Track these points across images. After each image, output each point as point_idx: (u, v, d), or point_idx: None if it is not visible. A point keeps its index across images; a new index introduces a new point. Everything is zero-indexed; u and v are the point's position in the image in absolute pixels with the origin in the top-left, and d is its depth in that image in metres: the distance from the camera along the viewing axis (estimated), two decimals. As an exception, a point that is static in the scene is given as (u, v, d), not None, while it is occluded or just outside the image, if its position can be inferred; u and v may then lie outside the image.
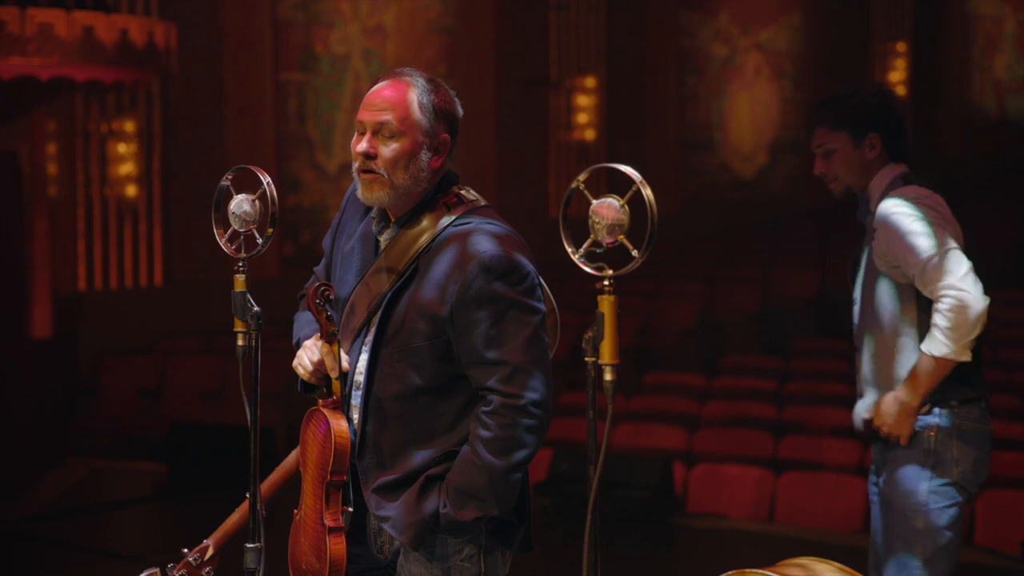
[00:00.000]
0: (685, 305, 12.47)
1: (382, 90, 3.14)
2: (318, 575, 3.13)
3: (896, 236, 4.07)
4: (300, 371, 3.20)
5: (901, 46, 20.26)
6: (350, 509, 3.18)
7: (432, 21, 14.47)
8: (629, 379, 9.87)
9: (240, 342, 3.16)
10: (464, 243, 3.06)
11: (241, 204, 3.13)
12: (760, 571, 2.84)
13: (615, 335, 2.64)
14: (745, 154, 17.96)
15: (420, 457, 3.11)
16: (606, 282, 2.64)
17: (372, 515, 3.18)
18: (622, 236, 2.59)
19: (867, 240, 4.26)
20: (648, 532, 7.60)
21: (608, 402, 2.63)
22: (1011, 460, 7.38)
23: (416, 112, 3.11)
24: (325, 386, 3.18)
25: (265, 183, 3.12)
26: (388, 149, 3.10)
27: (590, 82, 16.08)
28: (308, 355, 3.17)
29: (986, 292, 4.02)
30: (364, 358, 3.16)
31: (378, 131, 3.11)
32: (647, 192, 2.56)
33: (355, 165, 3.14)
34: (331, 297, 3.12)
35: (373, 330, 3.15)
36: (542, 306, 3.09)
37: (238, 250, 3.16)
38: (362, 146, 3.11)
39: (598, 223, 2.61)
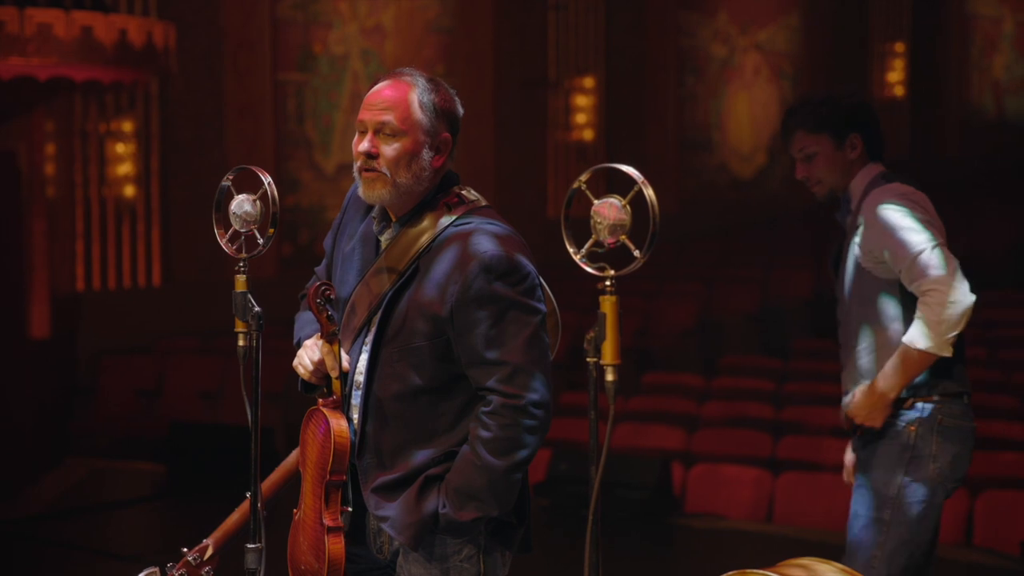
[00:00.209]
0: (684, 305, 12.48)
1: (383, 90, 3.14)
2: (317, 575, 3.13)
3: (885, 231, 4.08)
4: (300, 371, 3.20)
5: (900, 46, 20.27)
6: (349, 509, 3.17)
7: (430, 21, 14.47)
8: (628, 379, 9.86)
9: (241, 342, 3.16)
10: (465, 243, 3.06)
11: (242, 204, 3.14)
12: (761, 571, 2.84)
13: (617, 335, 2.64)
14: (744, 154, 17.97)
15: (420, 457, 3.10)
16: (608, 282, 2.63)
17: (371, 515, 3.17)
18: (624, 236, 2.59)
19: (848, 238, 4.25)
20: (647, 532, 7.60)
21: (610, 402, 2.63)
22: (1011, 460, 7.38)
23: (417, 111, 3.11)
24: (325, 386, 3.18)
25: (266, 183, 3.12)
26: (390, 149, 3.10)
27: (589, 82, 16.08)
28: (309, 354, 3.17)
29: (972, 290, 4.03)
30: (364, 358, 3.16)
31: (380, 131, 3.11)
32: (649, 192, 2.56)
33: (357, 164, 3.14)
34: (332, 297, 3.12)
35: (373, 330, 3.15)
36: (542, 306, 3.09)
37: (239, 250, 3.16)
38: (364, 146, 3.12)
39: (600, 223, 2.60)
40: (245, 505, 3.31)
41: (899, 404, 4.12)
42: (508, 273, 3.04)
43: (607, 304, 2.64)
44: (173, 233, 12.08)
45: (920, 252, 4.02)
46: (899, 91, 20.29)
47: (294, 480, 3.31)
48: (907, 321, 4.09)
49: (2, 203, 10.69)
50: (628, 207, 2.59)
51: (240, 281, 3.15)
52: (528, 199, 15.14)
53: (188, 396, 10.55)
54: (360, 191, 3.16)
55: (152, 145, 11.95)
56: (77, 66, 9.36)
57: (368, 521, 3.20)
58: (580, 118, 15.97)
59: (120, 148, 11.71)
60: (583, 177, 2.66)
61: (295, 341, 3.30)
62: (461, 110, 3.21)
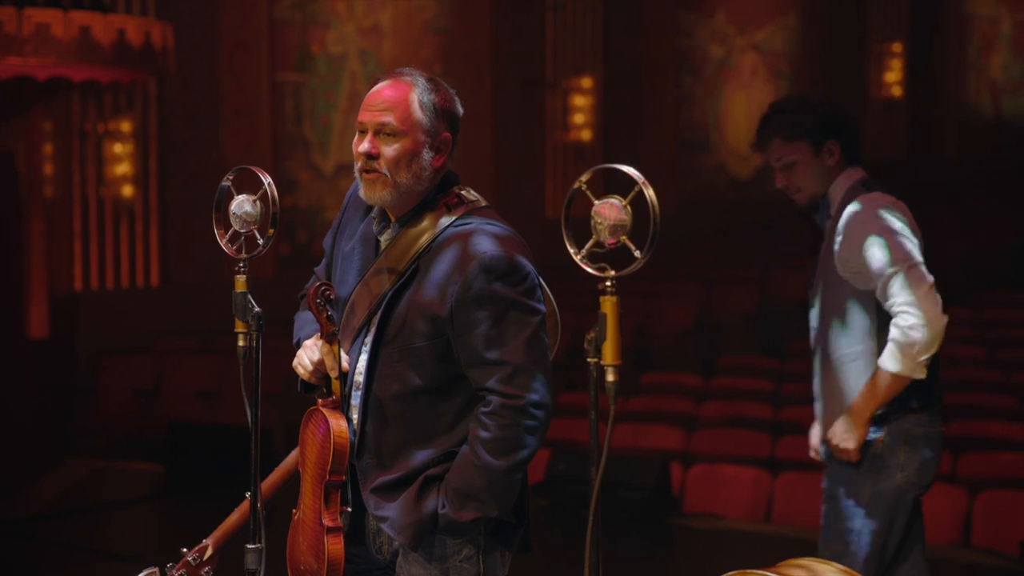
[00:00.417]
0: (682, 305, 12.48)
1: (383, 90, 3.14)
2: (316, 575, 3.13)
3: (860, 245, 4.06)
4: (300, 371, 3.19)
5: (897, 46, 20.28)
6: (349, 509, 3.17)
7: (428, 21, 14.47)
8: (627, 379, 9.86)
9: (241, 343, 3.16)
10: (465, 243, 3.06)
11: (242, 205, 3.14)
12: (761, 572, 2.84)
13: (617, 336, 2.64)
14: (742, 154, 17.97)
15: (419, 457, 3.10)
16: (608, 283, 2.63)
17: (371, 515, 3.17)
18: (624, 237, 2.59)
19: (827, 242, 4.23)
20: (645, 532, 7.60)
21: (610, 403, 2.63)
22: (1011, 460, 7.39)
23: (417, 111, 3.11)
24: (325, 386, 3.18)
25: (266, 183, 3.13)
26: (390, 149, 3.10)
27: (586, 82, 16.09)
28: (308, 355, 3.17)
29: (946, 309, 4.02)
30: (364, 358, 3.16)
31: (380, 131, 3.11)
32: (650, 193, 2.56)
33: (357, 166, 3.13)
34: (331, 297, 3.12)
35: (373, 330, 3.15)
36: (542, 307, 3.09)
37: (239, 251, 3.16)
38: (364, 146, 3.11)
39: (600, 223, 2.60)
40: (244, 505, 3.31)
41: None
42: (508, 273, 3.04)
43: (608, 304, 2.64)
44: (171, 233, 12.08)
45: (895, 272, 4.01)
46: (897, 91, 20.30)
47: (293, 480, 3.31)
48: (880, 333, 4.09)
49: (0, 203, 10.68)
50: (629, 207, 2.58)
51: (240, 281, 3.15)
52: (526, 199, 15.14)
53: (187, 396, 10.55)
54: (361, 192, 3.16)
55: (150, 145, 11.95)
56: (75, 66, 9.35)
57: (367, 521, 3.20)
58: (578, 118, 15.97)
59: (118, 148, 11.71)
60: (584, 177, 2.66)
61: (294, 341, 3.30)
62: (461, 110, 3.21)
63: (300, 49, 13.28)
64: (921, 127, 20.42)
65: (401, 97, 3.11)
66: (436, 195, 3.18)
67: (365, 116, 3.13)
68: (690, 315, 12.35)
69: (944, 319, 4.01)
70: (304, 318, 3.35)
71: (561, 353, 3.86)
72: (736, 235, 15.86)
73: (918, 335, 3.97)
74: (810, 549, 4.33)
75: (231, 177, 3.21)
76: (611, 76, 16.33)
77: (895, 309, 4.00)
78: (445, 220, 3.14)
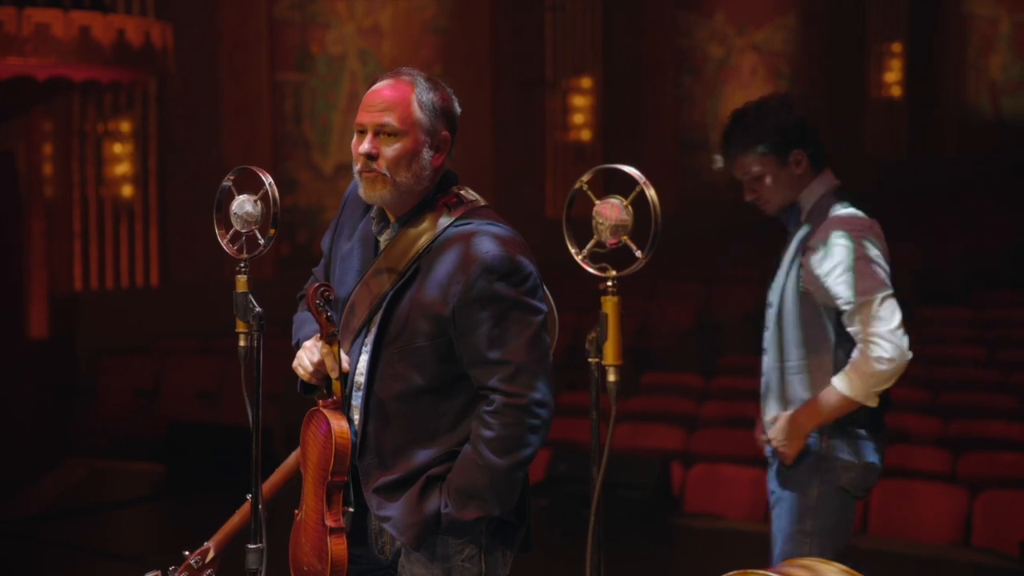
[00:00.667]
0: (683, 305, 12.47)
1: (382, 90, 3.13)
2: (319, 576, 3.13)
3: (836, 268, 4.01)
4: (300, 372, 3.19)
5: (897, 46, 20.28)
6: (351, 509, 3.18)
7: (428, 22, 14.47)
8: (627, 379, 9.82)
9: (242, 343, 3.16)
10: (467, 244, 3.06)
11: (243, 205, 3.14)
12: (763, 572, 2.84)
13: (619, 336, 2.64)
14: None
15: (421, 457, 3.10)
16: (609, 283, 2.63)
17: (373, 515, 3.17)
18: (625, 236, 2.59)
19: (796, 249, 4.18)
20: (646, 532, 7.60)
21: (611, 403, 2.62)
22: (1011, 460, 7.38)
23: (417, 111, 3.11)
24: (325, 387, 3.18)
25: (267, 184, 3.13)
26: (391, 149, 3.10)
27: (586, 82, 16.09)
28: (308, 356, 3.17)
29: (908, 336, 4.00)
30: (365, 358, 3.16)
31: (380, 132, 3.11)
32: (651, 193, 2.56)
33: (357, 166, 3.13)
34: (331, 298, 3.12)
35: (374, 330, 3.15)
36: (544, 306, 3.10)
37: (240, 251, 3.16)
38: (364, 147, 3.11)
39: (602, 223, 2.60)
40: (245, 507, 3.31)
41: None
42: (510, 273, 3.04)
43: (609, 304, 2.64)
44: (171, 233, 12.08)
45: (868, 301, 3.97)
46: (896, 91, 20.30)
47: (294, 481, 3.31)
48: (839, 350, 4.07)
49: (0, 203, 10.68)
50: (630, 207, 2.58)
51: (241, 281, 3.15)
52: (526, 199, 15.14)
53: (187, 396, 10.55)
54: (361, 192, 3.16)
55: (150, 145, 11.95)
56: (75, 66, 9.35)
57: (370, 521, 3.20)
58: (578, 118, 15.97)
59: (118, 148, 11.71)
60: (585, 178, 2.65)
61: (294, 342, 3.30)
62: (459, 109, 3.21)
63: (300, 49, 13.28)
64: (921, 127, 20.42)
65: (401, 97, 3.11)
66: (436, 195, 3.18)
67: (364, 117, 3.12)
68: (690, 315, 12.35)
69: (909, 355, 3.98)
70: (302, 319, 3.35)
71: (562, 353, 3.86)
72: (736, 235, 15.84)
73: (883, 367, 3.94)
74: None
75: (232, 177, 3.21)
76: (611, 76, 16.33)
77: (863, 337, 3.96)
78: (445, 220, 3.14)
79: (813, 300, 4.10)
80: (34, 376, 10.75)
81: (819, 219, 4.13)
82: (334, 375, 3.15)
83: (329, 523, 3.11)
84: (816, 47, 19.16)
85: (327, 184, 13.41)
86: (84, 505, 8.81)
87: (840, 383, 3.99)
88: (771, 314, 4.25)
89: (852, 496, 4.14)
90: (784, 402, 4.16)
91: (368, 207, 3.23)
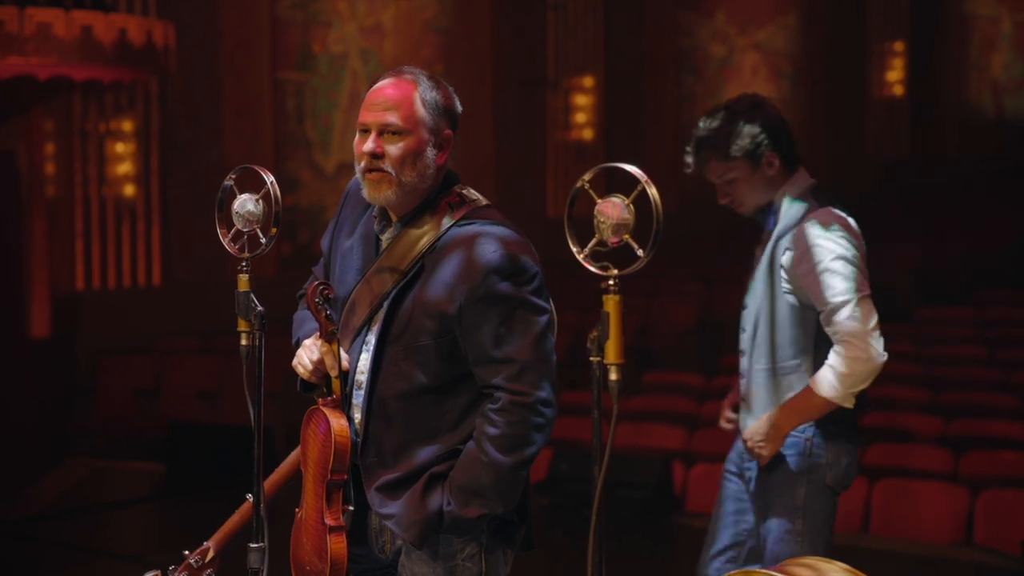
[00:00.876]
0: (684, 304, 12.47)
1: (385, 89, 3.13)
2: (320, 574, 3.12)
3: (814, 268, 4.00)
4: (300, 370, 3.19)
5: (898, 45, 20.27)
6: (351, 508, 3.17)
7: (429, 21, 14.47)
8: (628, 379, 9.82)
9: (243, 342, 3.16)
10: (472, 244, 3.06)
11: (245, 204, 3.14)
12: (765, 571, 2.84)
13: (620, 334, 2.63)
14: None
15: (423, 455, 3.11)
16: (611, 281, 2.63)
17: (374, 514, 3.18)
18: (627, 235, 2.59)
19: (773, 248, 4.17)
20: (647, 531, 7.60)
21: (613, 402, 2.62)
22: (1011, 459, 7.38)
23: (420, 109, 3.11)
24: (325, 385, 3.18)
25: (269, 183, 3.13)
26: (395, 148, 3.10)
27: (588, 82, 16.08)
28: (308, 354, 3.17)
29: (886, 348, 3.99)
30: (366, 357, 3.16)
31: (384, 131, 3.10)
32: (652, 191, 2.55)
33: (360, 165, 3.13)
34: (330, 296, 3.12)
35: (376, 329, 3.15)
36: (549, 306, 3.10)
37: (241, 250, 3.16)
38: (368, 146, 3.11)
39: (603, 222, 2.59)
40: (244, 507, 3.32)
41: None
42: (515, 273, 3.04)
43: (610, 303, 2.64)
44: (173, 232, 12.07)
45: (845, 301, 3.95)
46: (898, 90, 20.29)
47: (294, 480, 3.31)
48: (816, 351, 4.07)
49: (2, 203, 10.69)
50: (632, 206, 2.58)
51: (243, 280, 3.15)
52: (528, 199, 15.14)
53: (187, 396, 10.55)
54: (365, 193, 3.15)
55: (152, 144, 11.94)
56: (77, 65, 9.35)
57: (370, 520, 3.20)
58: (579, 118, 15.97)
59: (119, 147, 11.71)
60: (586, 176, 2.65)
61: (293, 341, 3.30)
62: (460, 107, 3.21)
63: (301, 48, 13.28)
64: (922, 126, 20.41)
65: (404, 95, 3.11)
66: (438, 194, 3.18)
67: (368, 116, 3.12)
68: (692, 314, 12.34)
69: (884, 356, 3.97)
70: (302, 317, 3.35)
71: (561, 352, 3.86)
72: (737, 234, 15.82)
73: (860, 368, 3.94)
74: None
75: (233, 176, 3.21)
76: (612, 76, 16.33)
77: (839, 338, 3.96)
78: (447, 220, 3.14)
79: (792, 298, 4.09)
80: (34, 376, 10.74)
81: (796, 219, 4.11)
82: (334, 373, 3.15)
83: (329, 521, 3.11)
84: (817, 46, 19.15)
85: (329, 183, 13.41)
86: (84, 505, 8.81)
87: (819, 385, 3.99)
88: (748, 315, 4.24)
89: (836, 493, 4.14)
90: (761, 402, 4.15)
91: (369, 204, 3.23)
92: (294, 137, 13.25)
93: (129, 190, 11.78)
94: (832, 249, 4.01)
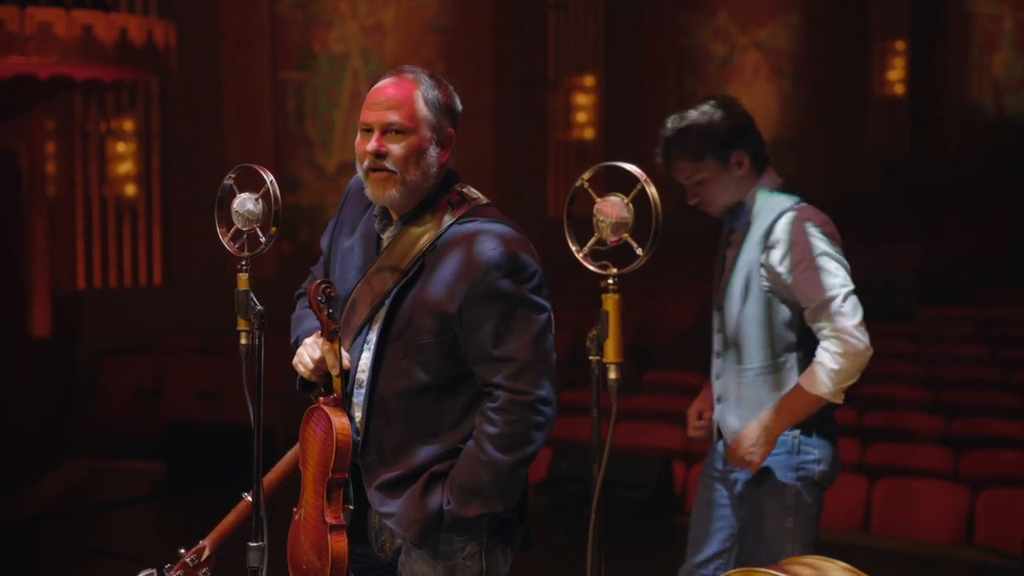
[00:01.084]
0: (684, 304, 12.46)
1: (386, 88, 3.13)
2: (319, 574, 3.12)
3: (801, 264, 3.99)
4: (300, 369, 3.19)
5: (900, 44, 20.27)
6: (351, 507, 3.17)
7: (430, 20, 14.47)
8: (628, 378, 9.83)
9: (243, 341, 3.15)
10: (472, 242, 3.07)
11: (244, 203, 3.14)
12: (767, 571, 2.83)
13: (619, 333, 2.63)
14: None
15: (424, 454, 3.11)
16: (610, 280, 2.63)
17: (374, 512, 3.18)
18: (626, 234, 2.58)
19: (754, 248, 4.14)
20: (647, 531, 7.59)
21: (612, 401, 2.62)
22: (1012, 459, 7.38)
23: (422, 108, 3.11)
24: (325, 384, 3.18)
25: (268, 182, 3.13)
26: (398, 147, 3.10)
27: (589, 81, 16.08)
28: (309, 352, 3.17)
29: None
30: (367, 355, 3.16)
31: (387, 130, 3.10)
32: (652, 190, 2.55)
33: (364, 165, 3.13)
34: (332, 295, 3.12)
35: (377, 327, 3.15)
36: (548, 304, 3.10)
37: (241, 249, 3.16)
38: (371, 145, 3.11)
39: (603, 221, 2.59)
40: (241, 506, 3.32)
41: None
42: (516, 271, 3.04)
43: (610, 302, 2.63)
44: (173, 232, 12.07)
45: (832, 297, 3.95)
46: (899, 89, 20.29)
47: (291, 479, 3.31)
48: (799, 348, 4.06)
49: (3, 202, 10.68)
50: (631, 205, 2.58)
51: (242, 280, 3.15)
52: (528, 198, 15.13)
53: (187, 396, 10.55)
54: (369, 193, 3.15)
55: (152, 144, 11.94)
56: (78, 65, 9.35)
57: (370, 519, 3.20)
58: (580, 117, 15.97)
59: (120, 147, 11.71)
60: (586, 175, 2.65)
61: (292, 340, 3.30)
62: (460, 106, 3.21)
63: (302, 48, 13.28)
64: (923, 125, 20.41)
65: (406, 94, 3.11)
66: (439, 193, 3.18)
67: (370, 115, 3.12)
68: (692, 314, 12.33)
69: (871, 351, 3.97)
70: (301, 316, 3.35)
71: (562, 351, 3.85)
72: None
73: (853, 362, 3.93)
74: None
75: (233, 175, 3.20)
76: (613, 75, 16.32)
77: (826, 333, 3.95)
78: (448, 219, 3.15)
79: (775, 299, 4.08)
80: (35, 376, 10.74)
81: (770, 217, 4.10)
82: (335, 372, 3.15)
83: (329, 520, 3.11)
84: (819, 45, 19.15)
85: (329, 183, 13.41)
86: (84, 505, 8.81)
87: (809, 383, 3.98)
88: (724, 317, 4.21)
89: (823, 488, 4.14)
90: (746, 405, 4.14)
91: (369, 203, 3.23)
92: (295, 137, 13.25)
93: (130, 190, 11.78)
94: (815, 245, 4.01)
